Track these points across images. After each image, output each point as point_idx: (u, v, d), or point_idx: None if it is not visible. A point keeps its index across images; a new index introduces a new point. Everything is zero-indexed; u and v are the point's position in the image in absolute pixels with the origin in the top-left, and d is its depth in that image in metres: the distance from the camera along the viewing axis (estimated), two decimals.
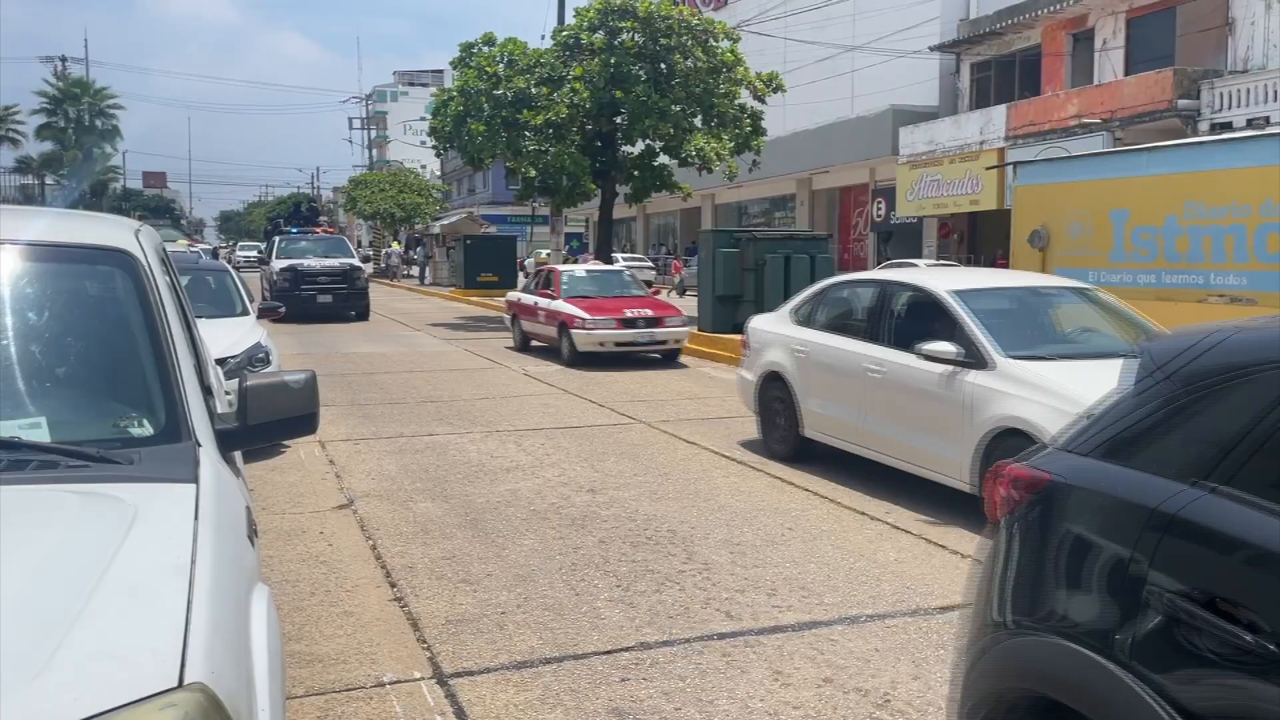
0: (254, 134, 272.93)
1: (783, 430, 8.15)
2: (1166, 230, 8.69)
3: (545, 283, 16.14)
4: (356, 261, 23.97)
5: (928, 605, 4.87)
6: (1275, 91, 20.70)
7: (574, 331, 14.33)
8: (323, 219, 36.16)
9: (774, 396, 8.28)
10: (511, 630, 4.54)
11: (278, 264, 23.17)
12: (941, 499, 6.79)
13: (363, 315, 23.04)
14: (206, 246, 45.30)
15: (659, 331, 14.64)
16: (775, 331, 8.45)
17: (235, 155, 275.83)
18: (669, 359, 15.20)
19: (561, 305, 14.99)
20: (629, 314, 14.57)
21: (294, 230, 30.84)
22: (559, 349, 15.04)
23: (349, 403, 11.04)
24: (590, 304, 14.81)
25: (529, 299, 16.37)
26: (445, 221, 57.86)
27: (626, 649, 4.33)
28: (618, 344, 14.42)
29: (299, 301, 21.28)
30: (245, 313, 10.00)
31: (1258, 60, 22.24)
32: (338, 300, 22.60)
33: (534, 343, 16.52)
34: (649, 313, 14.81)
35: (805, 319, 8.22)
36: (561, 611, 4.77)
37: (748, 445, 8.79)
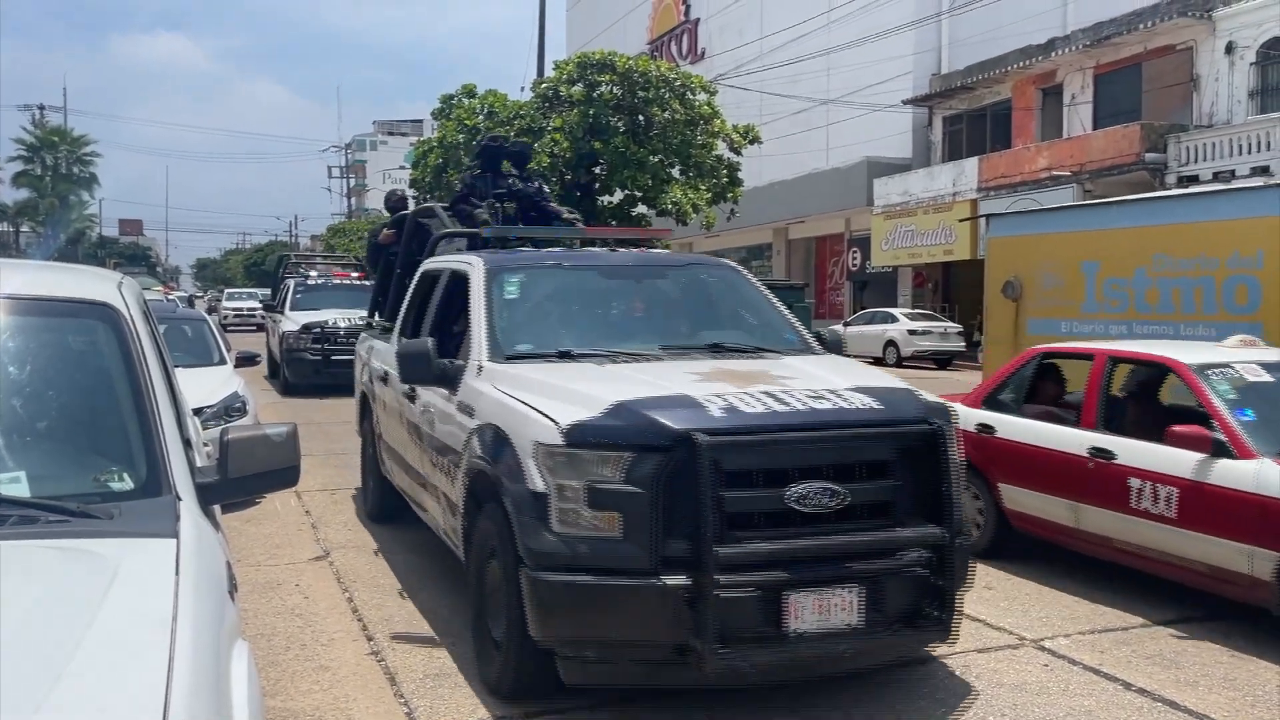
0: (232, 182, 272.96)
1: None
2: (1136, 282, 8.86)
3: (1132, 402, 6.24)
4: (894, 383, 4.38)
5: (909, 656, 4.85)
6: (1240, 146, 21.23)
7: None
8: (570, 210, 9.44)
9: None
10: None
11: (547, 408, 3.83)
12: None
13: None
14: (182, 294, 43.58)
15: None
16: None
17: (212, 203, 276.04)
18: None
19: None
20: None
21: (512, 241, 6.21)
22: None
23: (326, 452, 10.95)
24: None
25: (1069, 439, 5.92)
26: None
27: (608, 704, 4.29)
28: None
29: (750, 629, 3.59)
30: (222, 361, 9.95)
31: (1222, 115, 22.81)
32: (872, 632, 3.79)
33: (1029, 527, 6.32)
34: None
35: None
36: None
37: None
